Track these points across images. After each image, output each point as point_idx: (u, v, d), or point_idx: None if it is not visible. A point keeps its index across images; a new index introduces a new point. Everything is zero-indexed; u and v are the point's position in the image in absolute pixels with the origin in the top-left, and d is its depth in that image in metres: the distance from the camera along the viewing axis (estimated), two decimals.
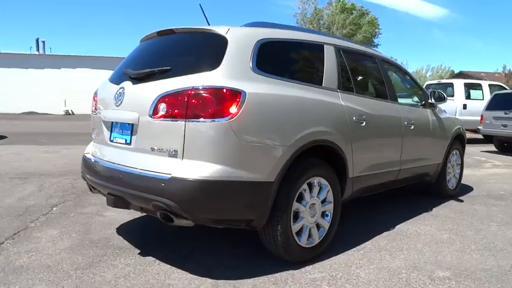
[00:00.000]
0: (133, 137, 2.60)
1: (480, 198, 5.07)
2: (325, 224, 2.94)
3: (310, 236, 2.82)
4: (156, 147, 2.44)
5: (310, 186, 2.78)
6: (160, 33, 2.95)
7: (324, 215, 2.93)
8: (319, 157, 2.86)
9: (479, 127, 10.28)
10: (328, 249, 2.99)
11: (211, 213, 2.39)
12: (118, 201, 2.67)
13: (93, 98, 3.14)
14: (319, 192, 2.86)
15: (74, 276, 2.53)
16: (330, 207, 2.96)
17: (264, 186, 2.45)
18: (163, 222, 2.46)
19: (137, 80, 2.64)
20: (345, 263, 2.83)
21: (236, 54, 2.51)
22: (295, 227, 2.69)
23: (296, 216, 2.70)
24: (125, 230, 3.44)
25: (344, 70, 3.25)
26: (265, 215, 2.50)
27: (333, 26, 38.40)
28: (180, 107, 2.32)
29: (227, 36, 2.56)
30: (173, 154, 2.36)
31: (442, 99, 4.43)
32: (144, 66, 2.70)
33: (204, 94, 2.30)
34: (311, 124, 2.73)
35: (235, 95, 2.34)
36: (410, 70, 44.17)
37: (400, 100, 4.03)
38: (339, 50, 3.28)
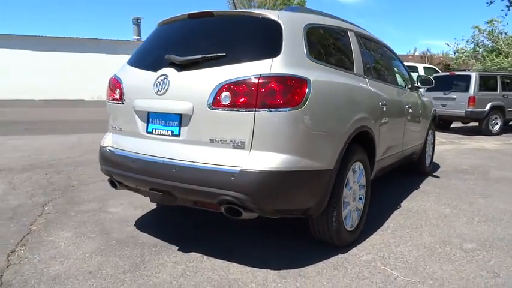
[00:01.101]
0: (184, 128, 2.43)
1: (451, 173, 5.55)
2: (360, 206, 3.04)
3: (351, 219, 2.89)
4: (217, 139, 2.30)
5: (353, 171, 2.84)
6: (194, 16, 2.75)
7: (358, 197, 3.02)
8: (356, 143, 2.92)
9: None
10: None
11: (279, 204, 2.34)
12: (166, 197, 2.50)
13: (114, 85, 2.85)
14: (358, 177, 2.94)
15: (127, 280, 2.34)
16: (363, 191, 3.06)
17: (326, 174, 2.45)
18: (228, 216, 2.36)
19: (184, 66, 2.45)
20: (383, 243, 2.96)
21: (292, 40, 2.44)
22: (344, 212, 2.75)
23: (343, 201, 2.75)
24: (144, 226, 3.23)
25: (364, 56, 3.33)
26: (324, 202, 2.51)
27: (264, 6, 38.52)
28: (248, 96, 2.21)
29: (280, 21, 2.47)
30: (239, 145, 2.25)
31: (429, 83, 4.74)
32: (188, 51, 2.50)
33: (273, 82, 2.21)
34: (358, 110, 2.77)
35: (302, 83, 2.29)
36: None
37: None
38: (357, 35, 3.34)
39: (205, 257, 2.67)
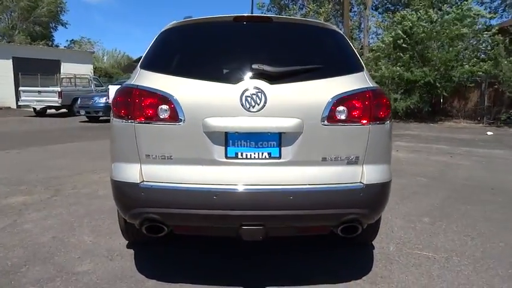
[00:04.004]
0: (286, 149, 2.14)
1: None
2: None
3: None
4: (330, 157, 2.17)
5: None
6: (242, 19, 2.39)
7: None
8: None
9: None
10: None
11: (380, 213, 2.41)
12: (261, 231, 2.15)
13: (152, 100, 2.14)
14: None
15: None
16: None
17: None
18: (342, 236, 2.26)
19: (278, 78, 2.15)
20: (380, 232, 3.37)
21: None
22: None
23: None
24: (165, 275, 2.56)
25: None
26: None
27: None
28: (363, 109, 2.19)
29: (344, 35, 2.52)
30: (353, 161, 2.20)
31: None
32: (266, 60, 2.18)
33: (379, 96, 2.26)
34: None
35: (387, 96, 2.43)
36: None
37: None
38: None
39: None
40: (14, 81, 21.10)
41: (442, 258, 2.89)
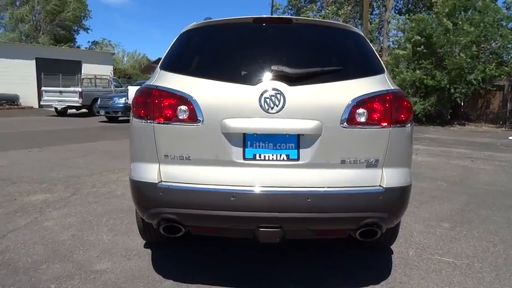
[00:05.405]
0: (304, 151, 2.12)
1: None
2: None
3: None
4: (349, 159, 2.14)
5: None
6: (262, 21, 2.39)
7: None
8: None
9: None
10: None
11: (400, 218, 2.37)
12: (278, 233, 2.14)
13: (171, 101, 2.16)
14: None
15: None
16: None
17: None
18: (361, 240, 2.23)
19: (297, 80, 2.13)
20: (398, 236, 3.33)
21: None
22: None
23: None
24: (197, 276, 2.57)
25: None
26: None
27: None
28: (383, 112, 2.16)
29: (365, 37, 2.49)
30: (373, 164, 2.17)
31: None
32: (285, 62, 2.18)
33: (399, 99, 2.22)
34: None
35: (409, 99, 2.38)
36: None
37: None
38: None
39: None
40: (37, 81, 21.61)
41: (463, 264, 2.82)
